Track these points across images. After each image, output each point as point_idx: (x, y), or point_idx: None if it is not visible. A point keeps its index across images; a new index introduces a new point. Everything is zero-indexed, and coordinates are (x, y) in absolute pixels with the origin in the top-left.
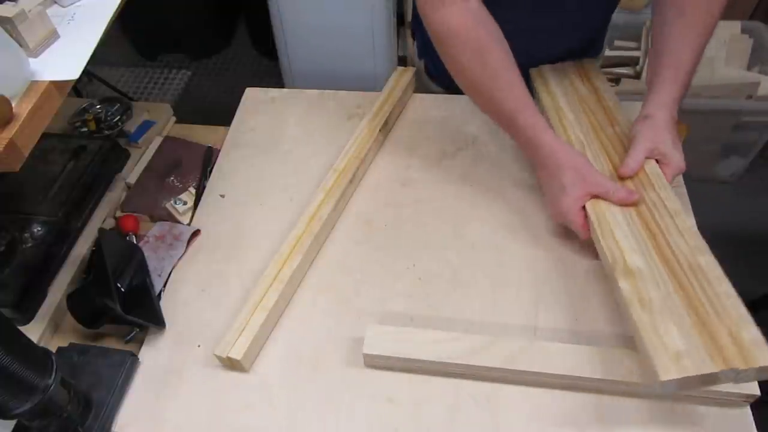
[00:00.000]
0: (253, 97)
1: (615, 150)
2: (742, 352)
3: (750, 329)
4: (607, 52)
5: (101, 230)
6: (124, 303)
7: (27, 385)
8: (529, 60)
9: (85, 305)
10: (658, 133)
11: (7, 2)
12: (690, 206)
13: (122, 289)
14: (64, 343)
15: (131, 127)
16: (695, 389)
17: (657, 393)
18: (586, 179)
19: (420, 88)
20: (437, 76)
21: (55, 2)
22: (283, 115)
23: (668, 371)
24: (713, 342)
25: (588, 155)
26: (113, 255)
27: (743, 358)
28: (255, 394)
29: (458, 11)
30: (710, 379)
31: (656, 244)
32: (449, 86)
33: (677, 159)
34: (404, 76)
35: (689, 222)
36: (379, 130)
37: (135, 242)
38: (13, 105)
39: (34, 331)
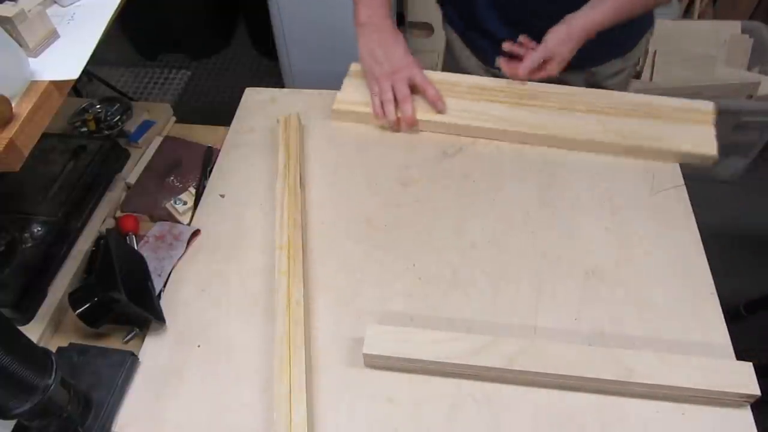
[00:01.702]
0: (252, 97)
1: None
2: None
3: None
4: None
5: (108, 230)
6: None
7: (27, 385)
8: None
9: (88, 302)
10: (564, 42)
11: (7, 2)
12: (690, 206)
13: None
14: (64, 343)
15: (131, 127)
16: None
17: None
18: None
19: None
20: (452, 21)
21: (55, 2)
22: (283, 115)
23: None
24: None
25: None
26: (117, 257)
27: None
28: (255, 394)
29: None
30: None
31: None
32: (463, 32)
33: (563, 53)
34: (291, 124)
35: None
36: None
37: (135, 242)
38: (13, 105)
39: (34, 331)
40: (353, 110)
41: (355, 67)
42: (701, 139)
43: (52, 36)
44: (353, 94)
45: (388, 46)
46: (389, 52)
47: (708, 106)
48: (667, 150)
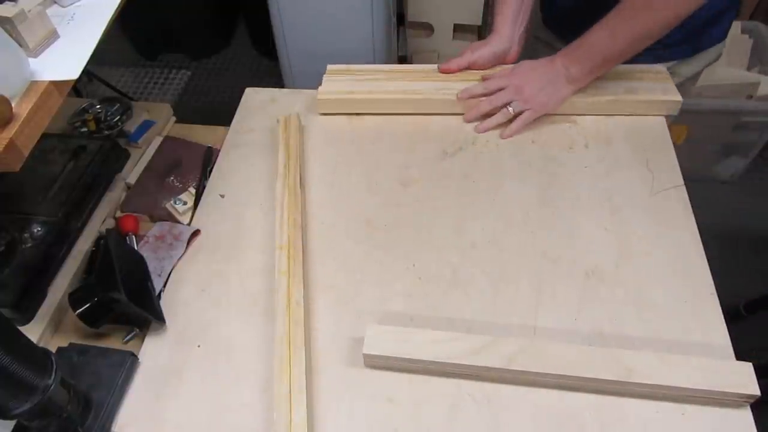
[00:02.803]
0: (252, 97)
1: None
2: None
3: None
4: None
5: (108, 230)
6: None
7: (27, 385)
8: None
9: (88, 302)
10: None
11: (7, 2)
12: (690, 206)
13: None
14: (64, 343)
15: (131, 127)
16: None
17: None
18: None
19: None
20: (551, 21)
21: (55, 2)
22: (283, 115)
23: None
24: None
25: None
26: (117, 257)
27: None
28: (255, 394)
29: None
30: None
31: None
32: (564, 35)
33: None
34: (291, 124)
35: None
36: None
37: (135, 242)
38: (13, 105)
39: (34, 331)
40: (337, 98)
41: (331, 67)
42: (667, 89)
43: (52, 36)
44: (333, 86)
45: None
46: None
47: (661, 68)
48: (645, 100)
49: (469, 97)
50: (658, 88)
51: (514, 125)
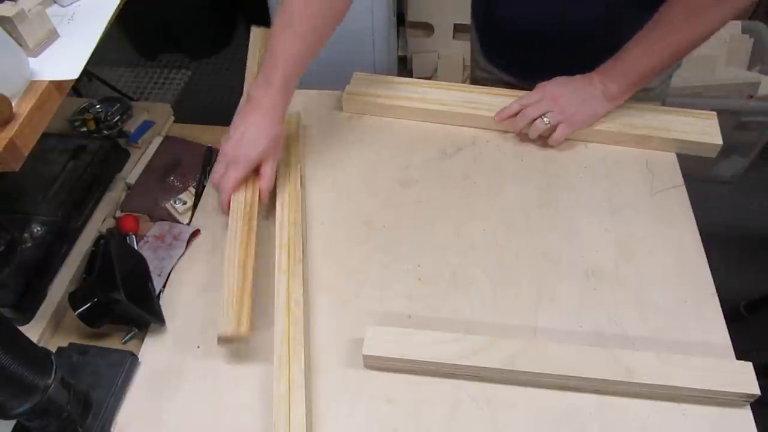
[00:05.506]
0: None
1: None
2: None
3: None
4: None
5: (108, 230)
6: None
7: (27, 385)
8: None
9: (88, 302)
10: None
11: (7, 2)
12: (690, 206)
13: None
14: (64, 343)
15: (131, 127)
16: None
17: None
18: None
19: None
20: (493, 57)
21: (55, 2)
22: None
23: None
24: None
25: None
26: (117, 257)
27: None
28: (255, 394)
29: None
30: None
31: None
32: (505, 66)
33: None
34: (290, 124)
35: None
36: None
37: (135, 242)
38: (13, 105)
39: (34, 331)
40: (363, 100)
41: (357, 75)
42: (707, 128)
43: (52, 36)
44: (361, 87)
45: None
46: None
47: (712, 114)
48: (679, 139)
49: (508, 116)
50: (698, 127)
51: (557, 134)
